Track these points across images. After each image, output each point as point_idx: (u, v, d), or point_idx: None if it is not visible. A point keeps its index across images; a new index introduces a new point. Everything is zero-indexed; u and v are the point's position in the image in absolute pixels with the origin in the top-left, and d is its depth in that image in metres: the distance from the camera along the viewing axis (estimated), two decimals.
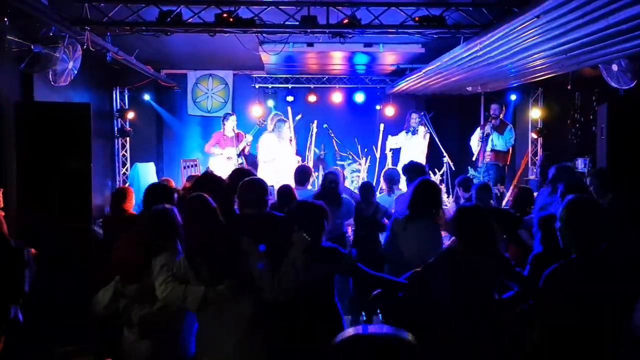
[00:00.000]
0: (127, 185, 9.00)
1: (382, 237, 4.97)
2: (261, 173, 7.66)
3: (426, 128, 8.91)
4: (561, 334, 2.42)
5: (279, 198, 4.54)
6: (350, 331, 1.33)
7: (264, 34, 6.36)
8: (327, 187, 4.96)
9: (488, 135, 8.45)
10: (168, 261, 3.03)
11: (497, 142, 8.26)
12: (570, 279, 2.43)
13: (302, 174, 5.64)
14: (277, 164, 7.78)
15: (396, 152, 9.06)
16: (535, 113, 10.10)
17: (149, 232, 3.15)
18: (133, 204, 5.13)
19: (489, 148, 8.19)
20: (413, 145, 8.87)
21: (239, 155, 8.54)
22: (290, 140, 8.82)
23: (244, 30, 5.95)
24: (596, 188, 4.65)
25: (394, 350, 1.26)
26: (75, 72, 6.07)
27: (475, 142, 8.64)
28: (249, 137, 8.65)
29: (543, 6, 4.29)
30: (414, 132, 8.89)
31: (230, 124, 8.68)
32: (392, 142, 9.02)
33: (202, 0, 5.63)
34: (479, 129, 8.65)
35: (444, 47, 6.70)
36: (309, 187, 5.78)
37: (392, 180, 6.08)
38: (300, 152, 9.28)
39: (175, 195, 3.94)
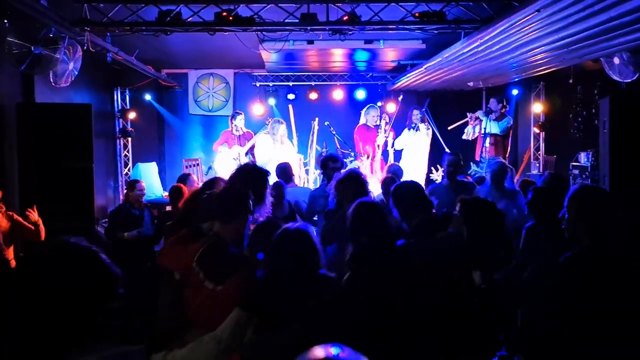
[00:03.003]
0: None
1: None
2: None
3: (427, 124, 8.89)
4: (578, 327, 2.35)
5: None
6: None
7: (263, 32, 6.35)
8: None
9: (477, 118, 8.41)
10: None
11: (489, 125, 8.19)
12: (588, 268, 2.37)
13: (285, 172, 5.69)
14: (274, 165, 7.79)
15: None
16: (537, 107, 10.07)
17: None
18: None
19: (487, 143, 8.14)
20: (417, 143, 8.84)
21: (246, 154, 8.54)
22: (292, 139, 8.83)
23: (244, 29, 5.94)
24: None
25: None
26: (76, 73, 6.07)
27: (469, 132, 8.61)
28: (257, 137, 8.65)
29: (543, 0, 4.28)
30: (417, 129, 8.88)
31: (238, 122, 8.68)
32: (400, 143, 8.99)
33: None
34: (470, 126, 8.62)
35: (445, 43, 6.68)
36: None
37: (396, 176, 6.06)
38: (302, 150, 9.27)
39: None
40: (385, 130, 8.66)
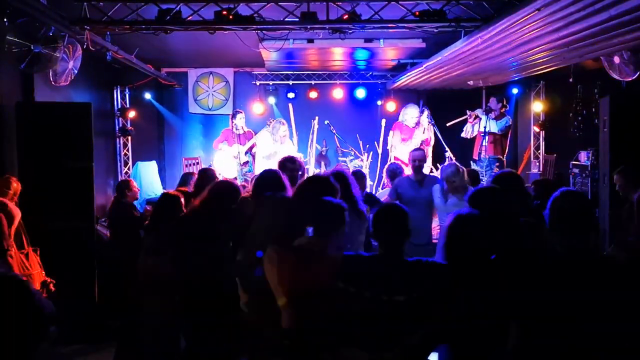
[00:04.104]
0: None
1: None
2: (260, 168, 7.67)
3: (428, 121, 8.87)
4: None
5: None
6: None
7: (263, 31, 6.35)
8: None
9: (476, 117, 8.40)
10: None
11: (488, 124, 8.16)
12: (573, 271, 2.35)
13: None
14: (276, 160, 7.79)
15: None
16: (537, 106, 10.06)
17: None
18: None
19: (485, 142, 8.11)
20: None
21: (246, 153, 8.54)
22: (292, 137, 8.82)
23: (244, 28, 5.94)
24: (622, 185, 4.68)
25: None
26: (76, 71, 6.07)
27: (469, 131, 8.59)
28: (257, 136, 8.64)
29: None
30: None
31: (239, 121, 8.68)
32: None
33: None
34: (469, 124, 8.61)
35: (445, 42, 6.68)
36: None
37: (394, 175, 6.05)
38: (302, 149, 9.27)
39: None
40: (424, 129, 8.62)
